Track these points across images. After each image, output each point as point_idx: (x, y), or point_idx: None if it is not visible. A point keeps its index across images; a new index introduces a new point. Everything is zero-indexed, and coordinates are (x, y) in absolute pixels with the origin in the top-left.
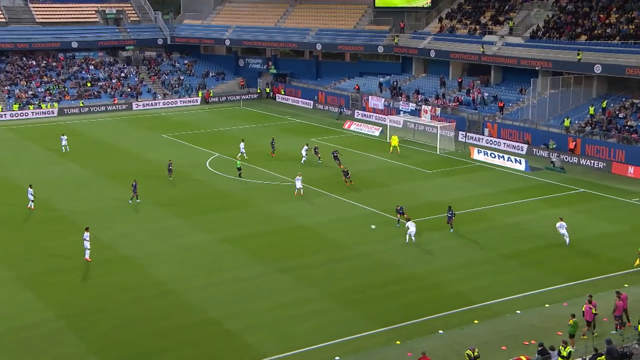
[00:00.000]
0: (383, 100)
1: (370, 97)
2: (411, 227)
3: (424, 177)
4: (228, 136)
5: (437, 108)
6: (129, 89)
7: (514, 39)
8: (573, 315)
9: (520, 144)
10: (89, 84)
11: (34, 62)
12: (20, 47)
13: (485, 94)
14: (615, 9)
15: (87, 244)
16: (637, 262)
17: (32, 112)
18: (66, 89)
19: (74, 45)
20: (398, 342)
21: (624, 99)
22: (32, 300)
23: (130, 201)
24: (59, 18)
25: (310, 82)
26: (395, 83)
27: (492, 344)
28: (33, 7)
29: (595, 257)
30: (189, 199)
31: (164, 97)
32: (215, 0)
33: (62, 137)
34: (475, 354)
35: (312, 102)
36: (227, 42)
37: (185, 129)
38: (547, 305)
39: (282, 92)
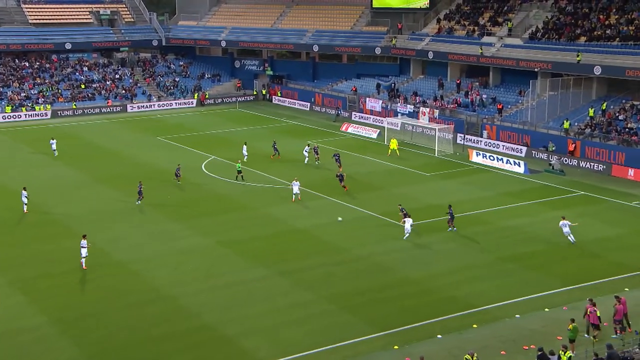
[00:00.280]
0: (380, 102)
1: (367, 99)
2: (407, 223)
3: (422, 179)
4: (224, 139)
5: (435, 110)
6: (123, 91)
7: (512, 40)
8: (573, 320)
9: (520, 147)
10: (82, 86)
11: (27, 64)
12: (12, 49)
13: (484, 96)
14: (615, 10)
15: (84, 252)
16: None
17: (25, 114)
18: (60, 90)
19: (68, 46)
20: (396, 347)
21: (624, 101)
22: (25, 305)
23: (138, 202)
24: (52, 19)
25: (307, 83)
26: (393, 85)
27: (491, 349)
28: (26, 8)
29: (595, 260)
30: (184, 202)
31: (159, 99)
32: (211, 1)
33: (51, 141)
34: (474, 358)
35: (308, 104)
36: (223, 44)
37: (180, 131)
38: (546, 309)
39: (279, 94)
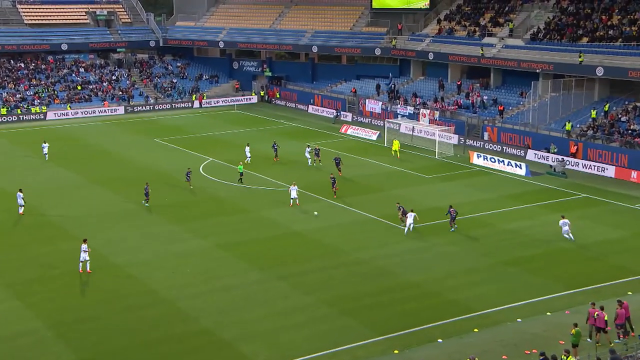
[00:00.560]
0: (380, 103)
1: (367, 100)
2: (409, 218)
3: (423, 182)
4: (222, 141)
5: (435, 112)
6: (120, 92)
7: (514, 41)
8: (575, 325)
9: (521, 149)
10: (79, 87)
11: (22, 65)
12: (8, 49)
13: (485, 97)
14: (617, 10)
15: (84, 256)
16: None
17: (21, 116)
18: (56, 92)
19: (64, 47)
20: (396, 352)
21: (626, 102)
22: (21, 309)
23: (147, 204)
24: (48, 19)
25: (306, 85)
26: (393, 86)
27: (492, 353)
28: (21, 8)
29: (597, 263)
30: (182, 205)
31: (157, 101)
32: (208, 2)
33: (43, 144)
34: None
35: (307, 105)
36: (221, 44)
37: (178, 133)
38: (548, 313)
39: (277, 95)
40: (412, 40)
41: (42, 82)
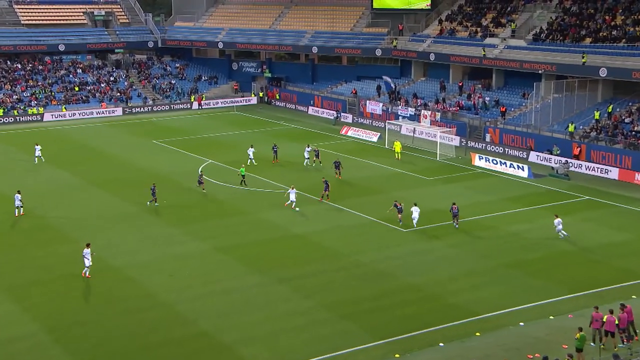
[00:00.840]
0: (381, 105)
1: (368, 101)
2: (415, 212)
3: (424, 184)
4: (221, 142)
5: (437, 113)
6: (118, 94)
7: (516, 41)
8: (580, 329)
9: (523, 150)
10: (76, 88)
11: (19, 66)
12: (4, 50)
13: (487, 99)
14: (621, 11)
15: (87, 261)
16: None
17: (17, 118)
18: (53, 93)
19: (61, 48)
20: (397, 356)
21: (630, 104)
22: (17, 313)
23: (156, 204)
24: (45, 20)
25: (306, 86)
26: (394, 87)
27: (495, 358)
28: (18, 8)
29: (601, 267)
30: (181, 207)
31: (155, 102)
32: (207, 2)
33: (36, 147)
34: None
35: (307, 106)
36: (220, 45)
37: (176, 134)
38: (551, 317)
39: (277, 97)
40: (413, 41)
41: (39, 83)
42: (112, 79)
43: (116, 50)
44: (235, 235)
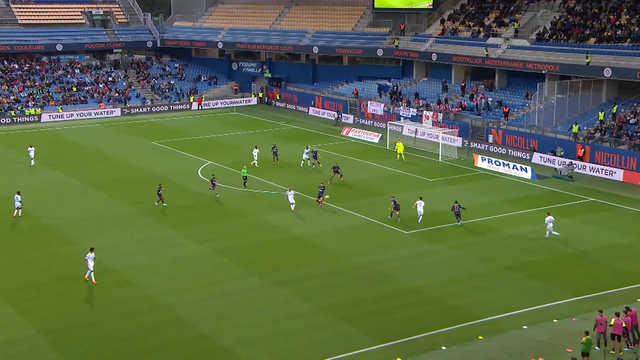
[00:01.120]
0: (382, 105)
1: (369, 102)
2: (419, 206)
3: (425, 185)
4: (220, 143)
5: (439, 114)
6: (116, 94)
7: (519, 41)
8: (587, 333)
9: (526, 151)
10: (74, 89)
11: (16, 66)
12: (1, 50)
13: (490, 99)
14: (626, 10)
15: (90, 265)
16: None
17: (14, 118)
18: (50, 93)
19: (59, 47)
20: (398, 359)
21: (635, 104)
22: (13, 316)
23: (164, 204)
24: (43, 19)
25: (307, 86)
26: (395, 87)
27: None
28: (15, 8)
29: (605, 269)
30: (180, 209)
31: (154, 103)
32: (207, 1)
33: (29, 149)
34: None
35: (308, 107)
36: (220, 45)
37: (175, 135)
38: (555, 320)
39: (277, 97)
40: (415, 41)
41: (37, 84)
42: (110, 79)
43: (114, 50)
44: (234, 237)
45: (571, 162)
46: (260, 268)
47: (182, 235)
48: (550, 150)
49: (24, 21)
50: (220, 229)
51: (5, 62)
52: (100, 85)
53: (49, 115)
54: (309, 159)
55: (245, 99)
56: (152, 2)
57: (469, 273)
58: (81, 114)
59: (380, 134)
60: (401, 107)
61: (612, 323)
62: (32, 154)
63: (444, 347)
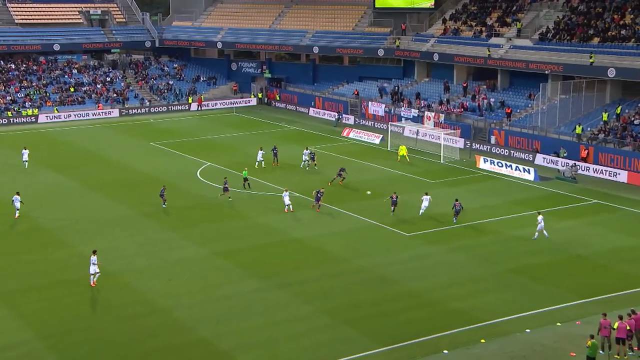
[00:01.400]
0: (383, 106)
1: (370, 102)
2: (425, 201)
3: (427, 187)
4: (220, 144)
5: (440, 114)
6: (115, 95)
7: (522, 41)
8: (592, 336)
9: (529, 153)
10: (72, 89)
11: (13, 66)
12: None
13: (492, 100)
14: (630, 9)
15: (94, 269)
16: None
17: (11, 119)
18: (47, 94)
19: (56, 47)
20: None
21: (639, 105)
22: (10, 320)
23: (163, 205)
24: (40, 19)
25: (307, 87)
26: (396, 88)
27: None
28: (12, 7)
29: (609, 272)
30: (178, 211)
31: (152, 103)
32: (206, 1)
33: (23, 151)
34: None
35: (308, 108)
36: (219, 45)
37: (174, 136)
38: (558, 323)
39: (277, 98)
40: (417, 41)
41: (34, 84)
42: (108, 79)
43: (112, 50)
44: (234, 239)
45: (574, 163)
46: (260, 271)
47: (181, 237)
48: (554, 152)
49: (20, 21)
50: (219, 231)
51: (2, 62)
52: (98, 86)
53: (46, 116)
54: (307, 160)
55: (244, 99)
56: (151, 2)
57: (471, 275)
58: (79, 115)
59: (382, 135)
60: (402, 108)
61: (615, 327)
62: (25, 156)
63: (446, 351)
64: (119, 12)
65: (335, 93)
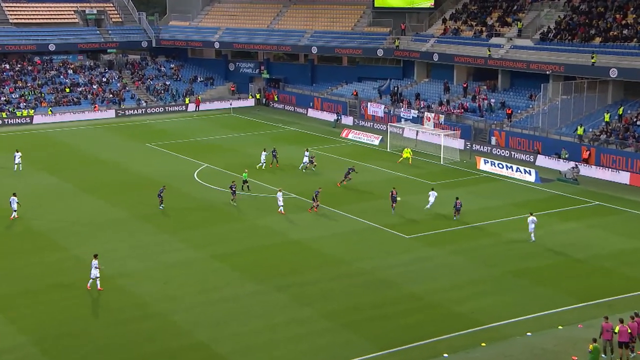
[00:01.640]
0: (383, 107)
1: (369, 103)
2: (431, 196)
3: (427, 188)
4: (217, 146)
5: (440, 115)
6: (111, 95)
7: (523, 41)
8: (594, 340)
9: (530, 154)
10: (67, 90)
11: (8, 66)
12: None
13: (492, 100)
14: (632, 9)
15: (95, 272)
16: None
17: (6, 120)
18: (43, 94)
19: (51, 47)
20: None
21: None
22: (4, 324)
23: (160, 207)
24: (35, 18)
25: (305, 87)
26: (395, 89)
27: None
28: (6, 6)
29: (610, 275)
30: (175, 213)
31: (149, 104)
32: (203, 0)
33: (15, 154)
34: None
35: (307, 108)
36: (217, 45)
37: (171, 137)
38: (560, 327)
39: (275, 98)
40: (416, 41)
41: (29, 85)
42: (104, 80)
43: (109, 51)
44: (231, 241)
45: (576, 165)
46: (258, 273)
47: (177, 240)
48: (555, 153)
49: (15, 20)
50: (217, 233)
51: None
52: (94, 86)
53: (41, 117)
54: (308, 161)
55: (242, 100)
56: (147, 1)
57: (471, 278)
58: (74, 116)
59: (381, 136)
60: (402, 109)
61: (617, 331)
62: (17, 159)
63: (446, 355)
64: (115, 12)
65: (334, 94)
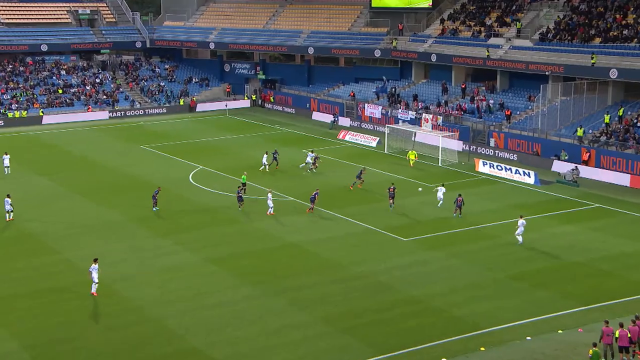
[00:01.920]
0: (380, 108)
1: (366, 104)
2: (439, 192)
3: (425, 191)
4: (212, 147)
5: (438, 116)
6: (104, 96)
7: (521, 41)
8: (595, 345)
9: (529, 156)
10: (60, 91)
11: None
12: None
13: (491, 102)
14: (632, 9)
15: (94, 277)
16: None
17: None
18: (35, 96)
19: (44, 48)
20: None
21: None
22: None
23: (154, 209)
24: (27, 18)
25: (302, 88)
26: (393, 89)
27: None
28: None
29: (611, 278)
30: (170, 216)
31: (143, 105)
32: (198, 0)
33: (4, 156)
34: None
35: (303, 110)
36: (212, 46)
37: (165, 139)
38: (560, 331)
39: (272, 100)
40: (414, 41)
41: (21, 86)
42: (97, 81)
43: (102, 51)
44: (227, 245)
45: (575, 166)
46: (254, 277)
47: (172, 243)
48: (554, 155)
49: (7, 20)
50: (212, 236)
51: None
52: (87, 87)
53: (34, 119)
54: (312, 162)
55: (238, 101)
56: (142, 1)
57: (470, 282)
58: (67, 117)
59: (378, 138)
60: (399, 110)
61: (617, 335)
62: (6, 162)
63: (444, 359)
64: (109, 12)
65: (331, 95)
